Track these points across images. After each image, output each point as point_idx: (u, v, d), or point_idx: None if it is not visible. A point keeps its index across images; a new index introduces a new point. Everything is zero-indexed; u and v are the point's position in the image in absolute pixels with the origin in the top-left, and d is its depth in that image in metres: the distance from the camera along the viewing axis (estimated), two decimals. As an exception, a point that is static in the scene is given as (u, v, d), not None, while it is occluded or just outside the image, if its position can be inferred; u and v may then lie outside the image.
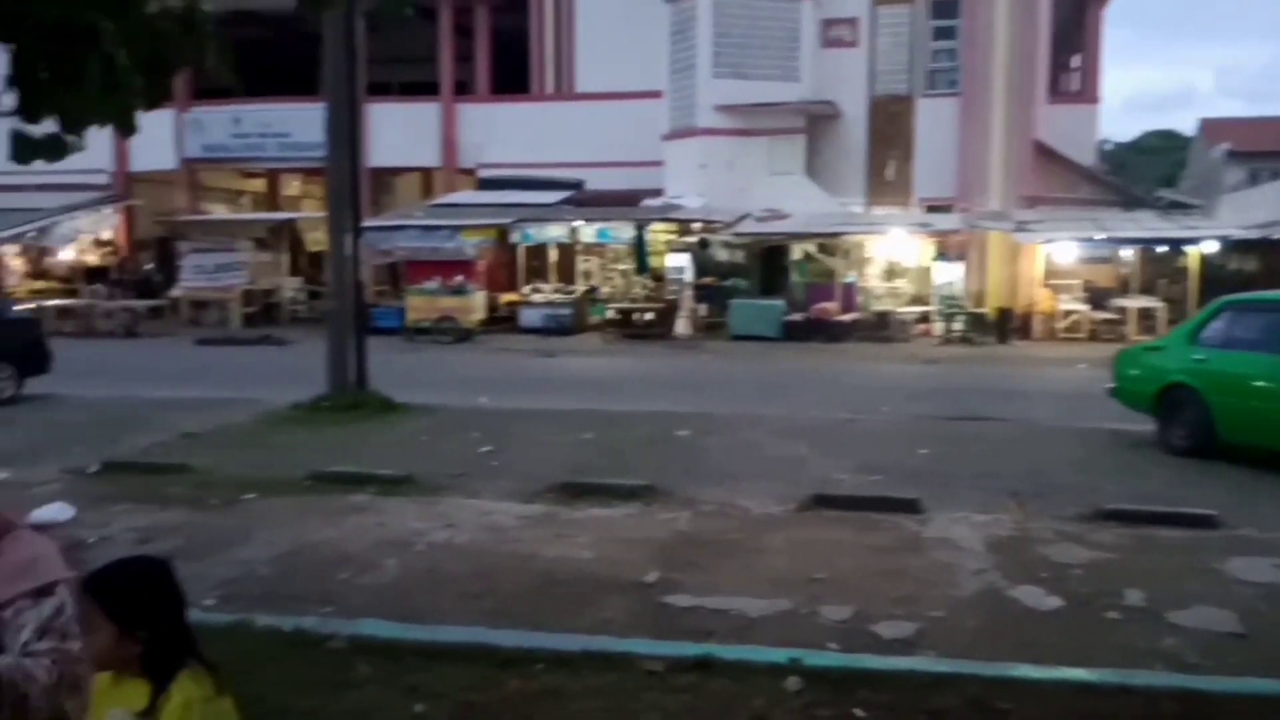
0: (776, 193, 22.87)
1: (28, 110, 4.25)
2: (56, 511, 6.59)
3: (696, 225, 23.00)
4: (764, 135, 23.54)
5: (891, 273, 22.97)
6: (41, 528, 6.25)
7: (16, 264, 25.99)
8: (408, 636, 3.77)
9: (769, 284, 23.25)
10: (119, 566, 2.30)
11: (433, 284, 21.48)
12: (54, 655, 2.21)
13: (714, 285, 22.90)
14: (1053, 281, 21.96)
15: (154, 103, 4.42)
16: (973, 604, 5.06)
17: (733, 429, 10.42)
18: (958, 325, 20.61)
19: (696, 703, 3.22)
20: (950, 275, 21.25)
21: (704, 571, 5.62)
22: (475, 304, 21.87)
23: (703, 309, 22.17)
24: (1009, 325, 20.71)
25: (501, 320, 22.90)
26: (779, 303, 21.81)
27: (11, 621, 2.22)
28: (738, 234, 22.65)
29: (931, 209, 23.08)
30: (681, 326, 21.52)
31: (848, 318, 21.32)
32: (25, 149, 4.07)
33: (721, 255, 23.88)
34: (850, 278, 22.41)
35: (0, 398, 12.08)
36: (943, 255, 21.66)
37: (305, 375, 12.69)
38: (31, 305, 20.74)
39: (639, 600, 5.10)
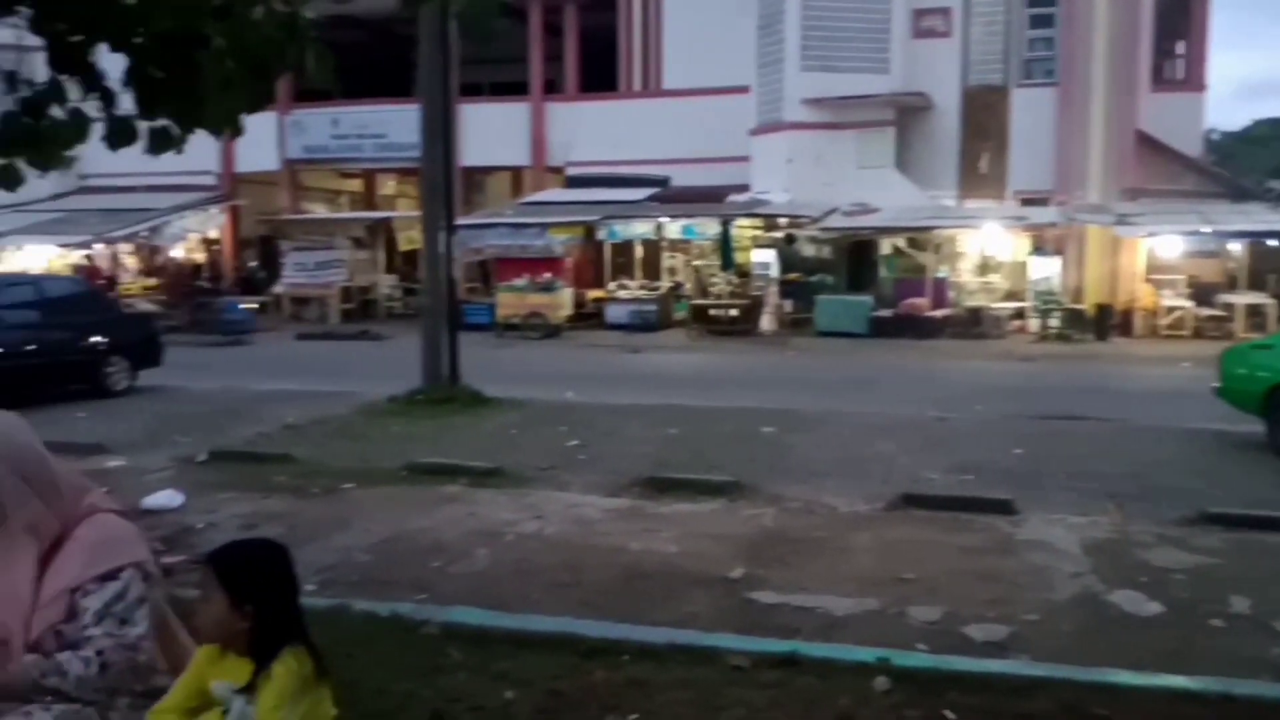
0: (865, 187, 22.56)
1: (143, 112, 4.46)
2: (168, 498, 6.91)
3: (782, 220, 22.85)
4: (853, 128, 23.23)
5: (985, 268, 22.45)
6: (153, 513, 6.58)
7: (130, 262, 27.20)
8: (497, 624, 3.86)
9: (856, 280, 22.96)
10: (240, 544, 2.43)
11: (522, 281, 21.81)
12: (104, 643, 2.32)
13: (800, 281, 22.72)
14: (1155, 277, 21.21)
15: (258, 106, 4.60)
16: (1068, 608, 4.95)
17: (819, 426, 10.35)
18: (1054, 322, 20.05)
19: (782, 699, 3.23)
20: (1047, 270, 20.68)
21: (790, 568, 5.61)
22: (563, 300, 22.12)
23: (788, 305, 22.01)
24: (1108, 322, 20.07)
25: (588, 316, 23.11)
26: (867, 299, 21.53)
27: (79, 604, 2.35)
28: (825, 229, 22.42)
29: (1027, 202, 22.50)
30: (766, 323, 21.42)
31: (939, 314, 20.93)
32: (122, 135, 4.29)
33: (808, 251, 23.67)
34: (942, 273, 21.99)
35: (115, 389, 12.69)
36: (1039, 250, 21.10)
37: (400, 369, 13.02)
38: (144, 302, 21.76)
39: (724, 595, 5.13)
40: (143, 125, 4.37)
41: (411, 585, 5.17)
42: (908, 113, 23.41)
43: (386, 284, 26.28)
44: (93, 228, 24.83)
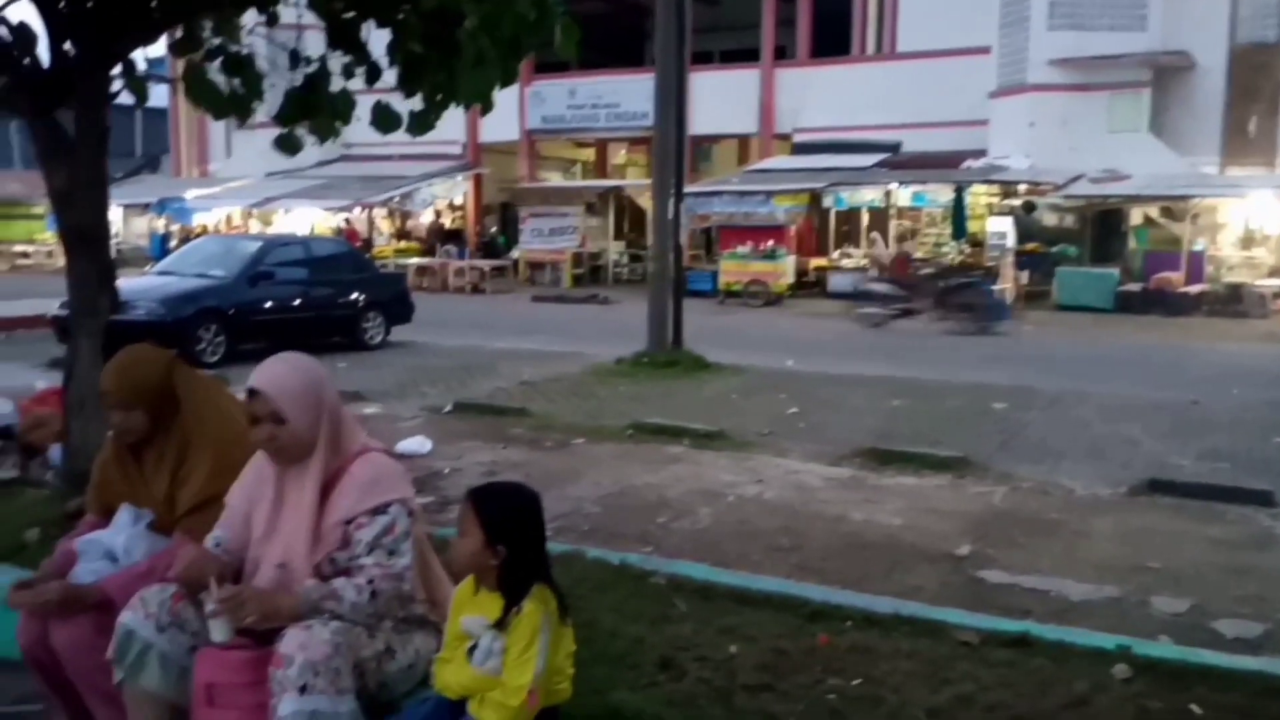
0: (1115, 152, 21.02)
1: (405, 85, 4.84)
2: (417, 444, 7.48)
3: (1022, 187, 21.70)
4: (1103, 90, 21.67)
5: (1249, 241, 20.47)
6: (405, 458, 7.16)
7: (384, 225, 29.34)
8: (722, 580, 3.98)
9: (1101, 251, 21.51)
10: (499, 485, 2.63)
11: (745, 249, 21.86)
12: (374, 571, 2.58)
13: (1039, 252, 21.53)
14: None
15: (509, 80, 4.88)
16: (1336, 611, 4.53)
17: (1056, 405, 9.86)
18: (1329, 301, 18.06)
19: (1013, 678, 3.16)
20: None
21: (1021, 549, 5.43)
22: (785, 269, 22.01)
23: (1025, 277, 20.93)
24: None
25: (810, 285, 22.89)
26: (1112, 272, 20.14)
27: (353, 535, 2.63)
28: (1068, 196, 21.11)
29: (1302, 169, 20.30)
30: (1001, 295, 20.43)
31: (1193, 290, 19.30)
32: (387, 121, 4.66)
33: (1048, 219, 22.38)
34: (1198, 245, 20.23)
35: (371, 343, 13.81)
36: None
37: (626, 333, 13.42)
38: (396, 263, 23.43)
39: (950, 571, 5.03)
40: (404, 108, 4.75)
41: (637, 538, 5.39)
42: (1166, 73, 21.56)
43: (615, 250, 27.01)
44: (352, 193, 26.94)
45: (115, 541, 2.90)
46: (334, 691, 2.39)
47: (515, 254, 26.70)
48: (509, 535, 2.49)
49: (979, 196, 22.21)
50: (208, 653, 2.53)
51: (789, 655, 3.30)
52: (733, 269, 21.84)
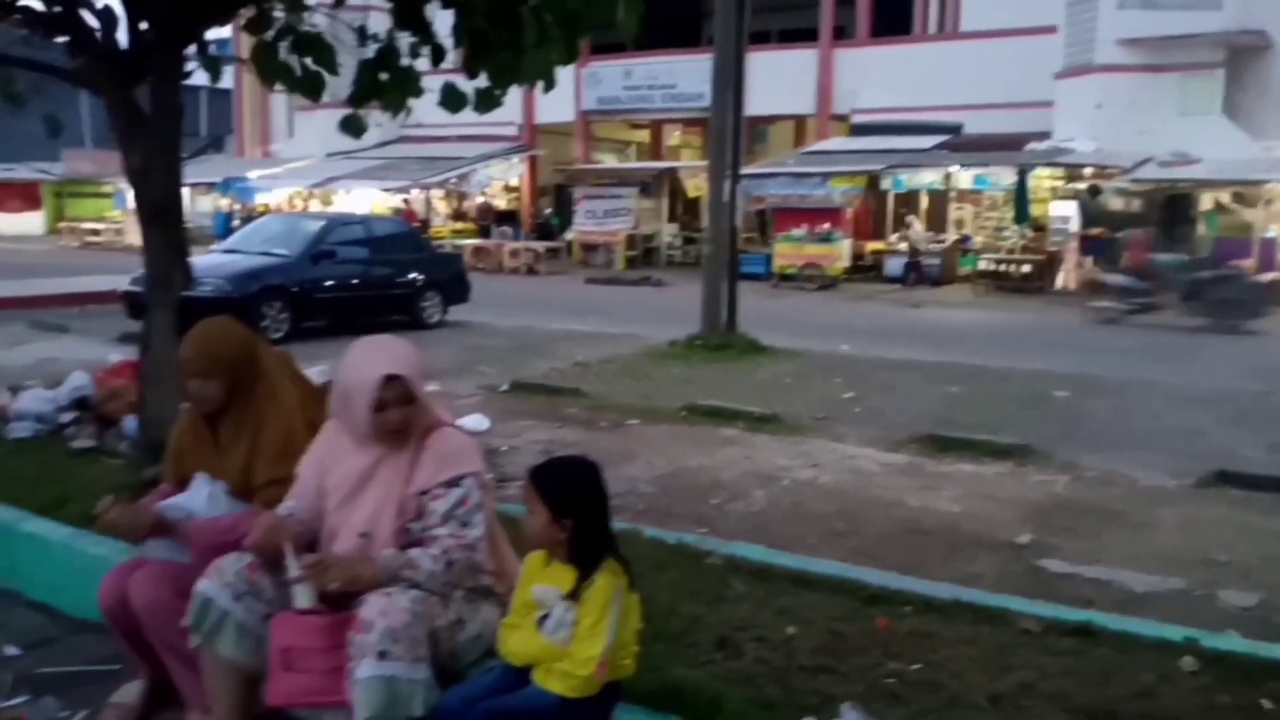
0: (1186, 135, 20.46)
1: (469, 66, 4.87)
2: (475, 422, 7.56)
3: (1087, 171, 21.23)
4: (1174, 71, 21.09)
5: (1325, 228, 19.84)
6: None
7: (441, 206, 29.61)
8: (778, 563, 3.97)
9: (1169, 237, 20.95)
10: (559, 461, 2.66)
11: (800, 231, 21.70)
12: (449, 542, 2.63)
13: (1103, 237, 21.06)
14: None
15: (571, 58, 4.89)
16: None
17: (1120, 394, 9.68)
18: None
19: (1077, 668, 3.12)
20: None
21: (1083, 539, 5.35)
22: (841, 252, 21.83)
23: (1088, 263, 20.50)
24: None
25: (865, 269, 22.67)
26: (1180, 258, 19.62)
27: (428, 506, 2.68)
28: (1135, 180, 20.61)
29: (1387, 154, 19.58)
30: (1063, 281, 20.09)
31: (1265, 278, 18.73)
32: (455, 100, 4.69)
33: (1114, 204, 21.86)
34: (1271, 233, 19.64)
35: (429, 322, 13.99)
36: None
37: (679, 315, 13.41)
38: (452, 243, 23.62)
39: (1010, 560, 4.98)
40: (469, 88, 4.79)
41: (691, 518, 5.41)
42: (1241, 54, 20.91)
43: (669, 232, 26.98)
44: (410, 174, 27.22)
45: (192, 505, 2.98)
46: (411, 659, 2.45)
47: (569, 235, 26.78)
48: (573, 509, 2.53)
49: (1042, 180, 21.76)
50: (284, 617, 2.60)
51: (847, 638, 3.30)
52: (788, 252, 21.71)
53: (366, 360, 2.68)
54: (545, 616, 2.55)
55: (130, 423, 5.45)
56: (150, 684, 3.15)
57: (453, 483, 2.67)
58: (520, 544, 2.81)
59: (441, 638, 2.60)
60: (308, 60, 4.13)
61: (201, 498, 2.99)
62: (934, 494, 6.12)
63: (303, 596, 2.52)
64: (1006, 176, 21.38)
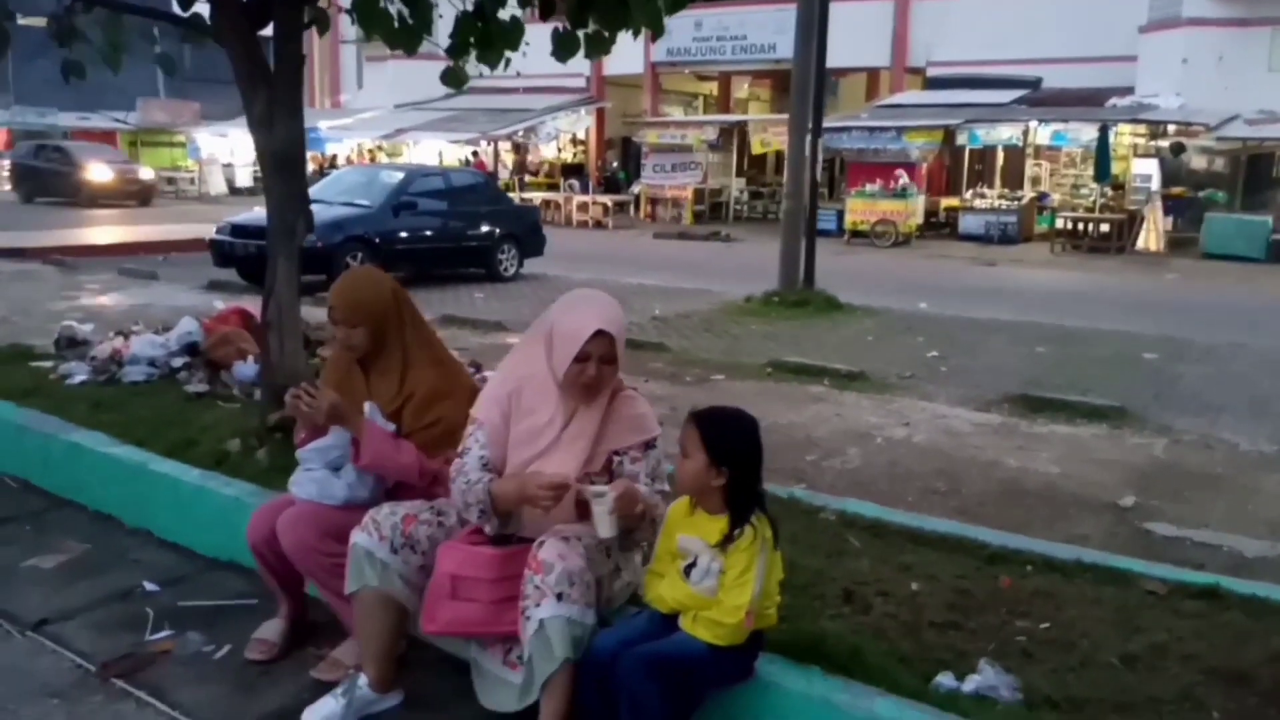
0: (1275, 92, 19.69)
1: (578, 14, 4.84)
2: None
3: (1171, 128, 20.58)
4: (1266, 25, 20.30)
5: None
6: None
7: (508, 159, 29.64)
8: (892, 519, 3.97)
9: (1252, 197, 20.32)
10: (723, 408, 2.66)
11: (874, 186, 21.35)
12: (653, 499, 2.68)
13: (1186, 196, 20.47)
14: None
15: (680, 5, 4.83)
16: None
17: (1210, 357, 9.45)
18: None
19: (1206, 630, 3.09)
20: None
21: (1187, 503, 5.27)
22: (915, 208, 21.47)
23: (1169, 222, 19.95)
24: None
25: (939, 226, 22.28)
26: (1265, 219, 19.02)
27: (623, 466, 2.72)
28: (1221, 138, 19.96)
29: None
30: (1144, 241, 19.57)
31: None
32: (568, 46, 4.67)
33: (1197, 162, 21.21)
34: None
35: (505, 275, 14.07)
36: None
37: (751, 271, 13.35)
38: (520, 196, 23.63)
39: (1115, 522, 4.93)
40: (579, 33, 4.75)
41: (789, 474, 5.41)
42: (1342, 6, 20.03)
43: (736, 187, 26.74)
44: (479, 126, 27.24)
45: (343, 441, 3.05)
46: (584, 603, 2.52)
47: (635, 189, 26.66)
48: (731, 457, 2.54)
49: (1123, 137, 21.15)
50: (452, 546, 2.69)
51: (972, 596, 3.30)
52: (860, 207, 21.38)
53: (581, 311, 2.71)
54: (690, 566, 2.58)
55: (242, 368, 5.60)
56: (291, 620, 3.27)
57: (649, 445, 2.73)
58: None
59: (603, 585, 2.66)
60: (405, 10, 4.14)
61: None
62: (1031, 455, 6.06)
63: (605, 526, 2.52)
64: (1087, 133, 20.78)
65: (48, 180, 27.23)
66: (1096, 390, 7.70)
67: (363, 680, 2.85)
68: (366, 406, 3.06)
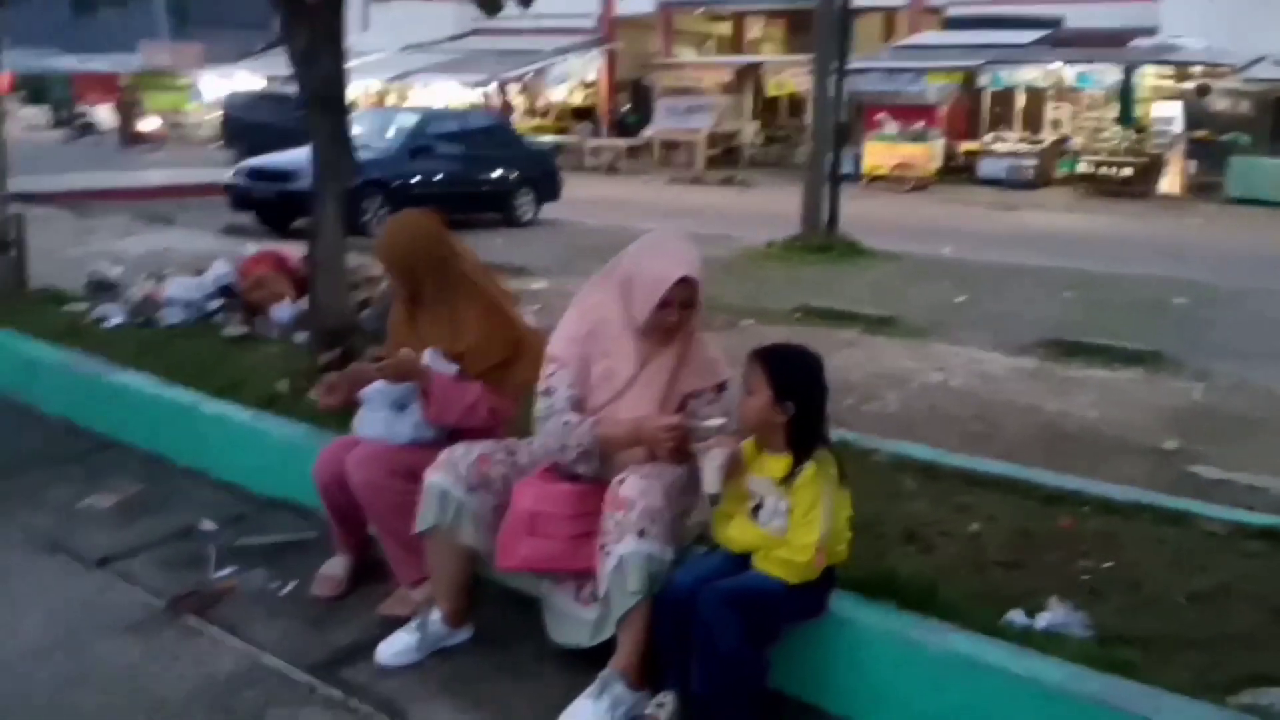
0: (1305, 33, 19.31)
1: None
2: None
3: (1196, 69, 20.21)
4: (1297, -38, 19.77)
5: None
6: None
7: (518, 101, 29.24)
8: (945, 461, 3.97)
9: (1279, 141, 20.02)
10: (786, 345, 2.64)
11: (892, 130, 21.05)
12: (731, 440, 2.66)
13: (1210, 140, 20.17)
14: None
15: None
16: None
17: (1241, 302, 9.39)
18: None
19: (1270, 570, 3.11)
20: None
21: (1230, 446, 5.25)
22: (934, 152, 21.17)
23: (1193, 166, 19.69)
24: None
25: (958, 170, 22.01)
26: None
27: (700, 407, 2.71)
28: (1248, 80, 19.62)
29: None
30: (1167, 185, 19.35)
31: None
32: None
33: (1221, 105, 20.86)
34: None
35: (523, 220, 13.95)
36: None
37: (768, 216, 13.24)
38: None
39: (1159, 466, 4.92)
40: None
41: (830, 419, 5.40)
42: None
43: (750, 131, 26.40)
44: (487, 68, 26.86)
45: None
46: (663, 540, 2.52)
47: (647, 133, 26.33)
48: (795, 393, 2.52)
49: (1145, 78, 20.78)
50: (530, 483, 2.69)
51: (1033, 536, 3.31)
52: (879, 151, 21.05)
53: (664, 256, 2.67)
54: (758, 507, 2.58)
55: (279, 311, 5.59)
56: (355, 558, 3.29)
57: (721, 387, 2.72)
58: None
59: (676, 525, 2.66)
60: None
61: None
62: (1069, 399, 6.05)
63: (714, 481, 2.49)
64: (1110, 74, 20.44)
65: (270, 138, 20.04)
66: (1128, 335, 7.65)
67: (435, 615, 2.88)
68: (427, 354, 3.04)
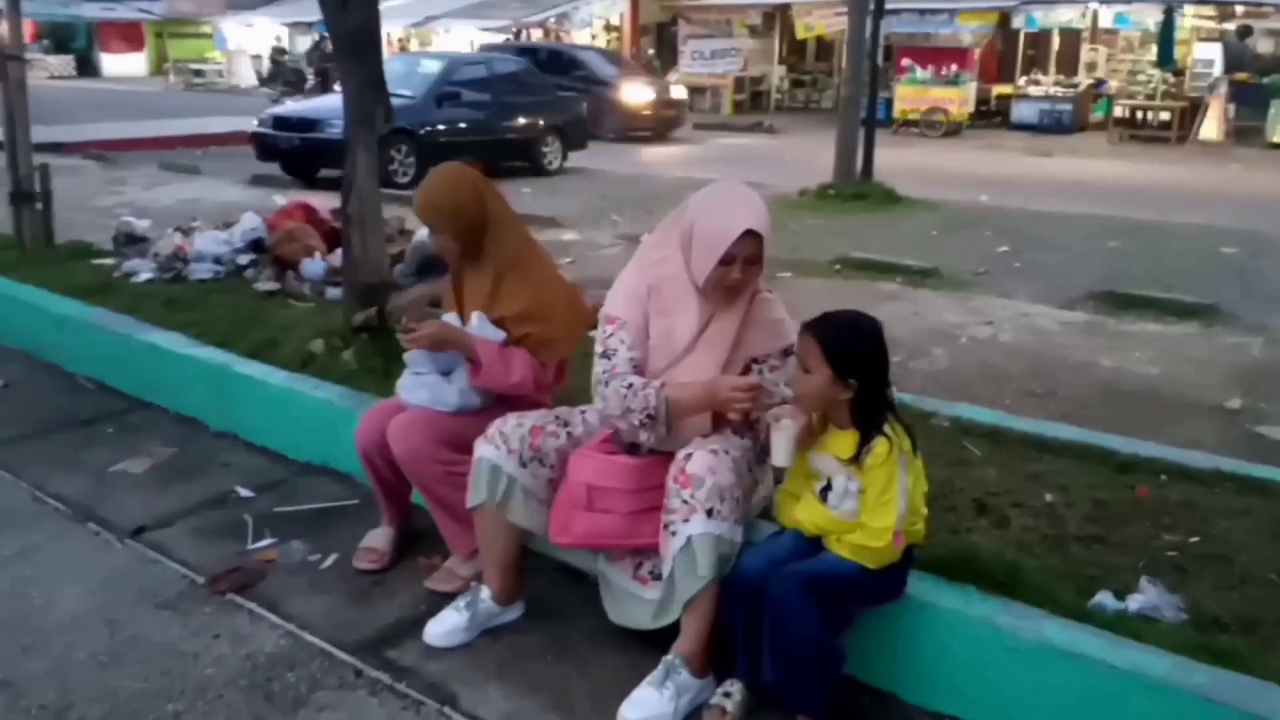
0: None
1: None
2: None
3: (1238, 9, 19.53)
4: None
5: None
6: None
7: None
8: (1010, 426, 3.77)
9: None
10: (841, 315, 2.39)
11: (924, 73, 20.52)
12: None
13: (1251, 83, 19.54)
14: None
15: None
16: None
17: (1294, 251, 9.08)
18: None
19: (1367, 544, 2.92)
20: None
21: (1296, 405, 5.04)
22: (967, 95, 20.64)
23: (1233, 110, 19.11)
24: None
25: (990, 115, 21.49)
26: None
27: (762, 374, 2.52)
28: (1296, 20, 18.92)
29: None
30: (1206, 130, 18.80)
31: None
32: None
33: (1263, 46, 20.21)
34: None
35: (550, 169, 13.68)
36: None
37: (798, 163, 12.91)
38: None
39: (1225, 426, 4.72)
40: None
41: (876, 376, 5.22)
42: None
43: (777, 75, 25.83)
44: (511, 12, 26.34)
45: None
46: (733, 520, 2.36)
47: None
48: (858, 367, 2.31)
49: (1185, 19, 20.11)
50: (587, 455, 2.53)
51: (1110, 507, 3.13)
52: (910, 95, 20.53)
53: (726, 209, 2.46)
54: (826, 488, 2.39)
55: (310, 265, 5.43)
56: (397, 531, 3.16)
57: (787, 351, 2.52)
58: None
59: (743, 501, 2.50)
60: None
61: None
62: (1124, 355, 5.83)
63: (784, 455, 2.31)
64: (1149, 15, 19.78)
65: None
66: (1180, 286, 7.40)
67: (485, 593, 2.75)
68: (474, 319, 2.87)
